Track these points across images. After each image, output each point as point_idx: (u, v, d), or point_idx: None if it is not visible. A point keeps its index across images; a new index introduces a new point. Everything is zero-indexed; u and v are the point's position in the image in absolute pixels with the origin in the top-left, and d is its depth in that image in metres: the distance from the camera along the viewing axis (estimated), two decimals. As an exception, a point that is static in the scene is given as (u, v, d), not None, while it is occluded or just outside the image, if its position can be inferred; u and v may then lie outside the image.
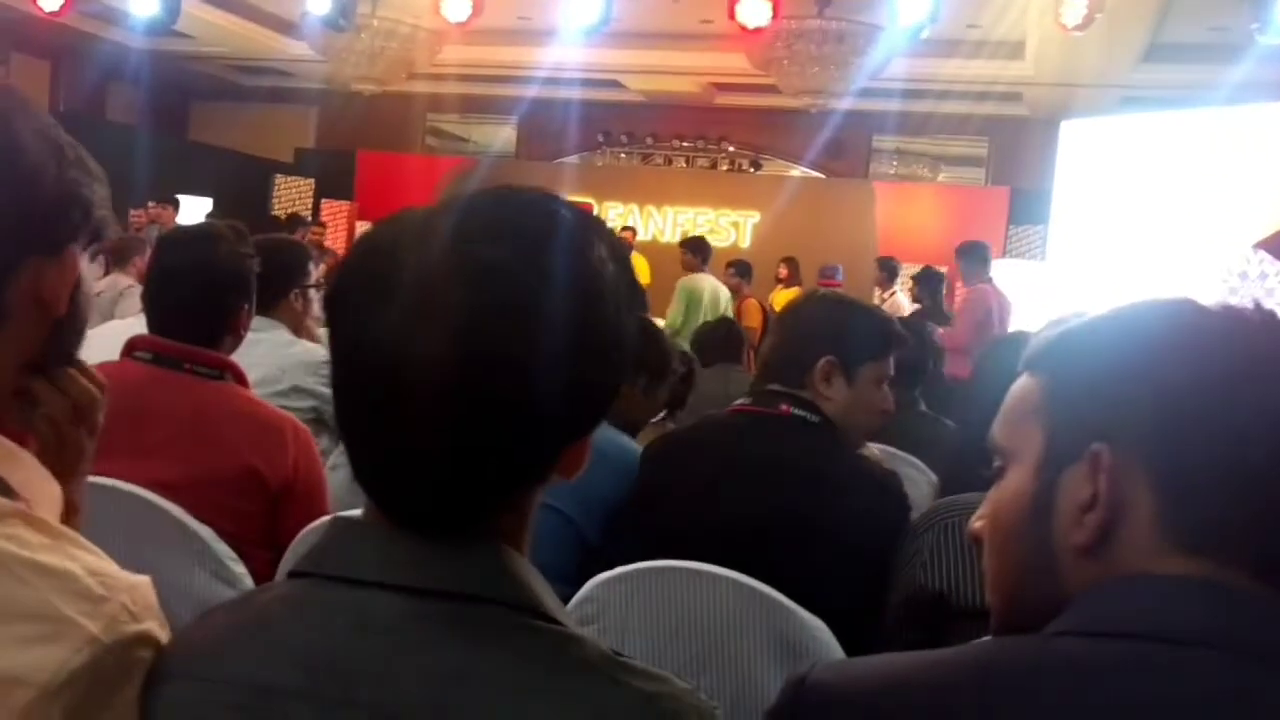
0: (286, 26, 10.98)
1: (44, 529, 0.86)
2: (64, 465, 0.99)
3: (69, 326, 0.96)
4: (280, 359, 2.81)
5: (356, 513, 0.91)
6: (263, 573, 2.02)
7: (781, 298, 9.28)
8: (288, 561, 2.00)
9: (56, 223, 0.91)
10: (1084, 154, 9.86)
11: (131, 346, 2.17)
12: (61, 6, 8.63)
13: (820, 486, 2.01)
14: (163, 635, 0.89)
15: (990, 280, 7.48)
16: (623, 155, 14.62)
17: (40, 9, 8.64)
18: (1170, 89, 9.79)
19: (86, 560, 0.86)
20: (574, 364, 0.84)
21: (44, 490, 0.93)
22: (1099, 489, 0.85)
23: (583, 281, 0.85)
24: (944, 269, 8.82)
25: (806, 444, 2.06)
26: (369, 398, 0.85)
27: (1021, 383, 0.94)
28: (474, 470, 0.84)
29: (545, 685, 0.81)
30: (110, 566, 0.87)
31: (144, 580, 0.89)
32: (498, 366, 0.81)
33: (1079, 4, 6.88)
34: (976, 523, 0.96)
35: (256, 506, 2.08)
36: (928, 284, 8.11)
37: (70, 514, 0.98)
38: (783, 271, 9.73)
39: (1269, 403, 0.82)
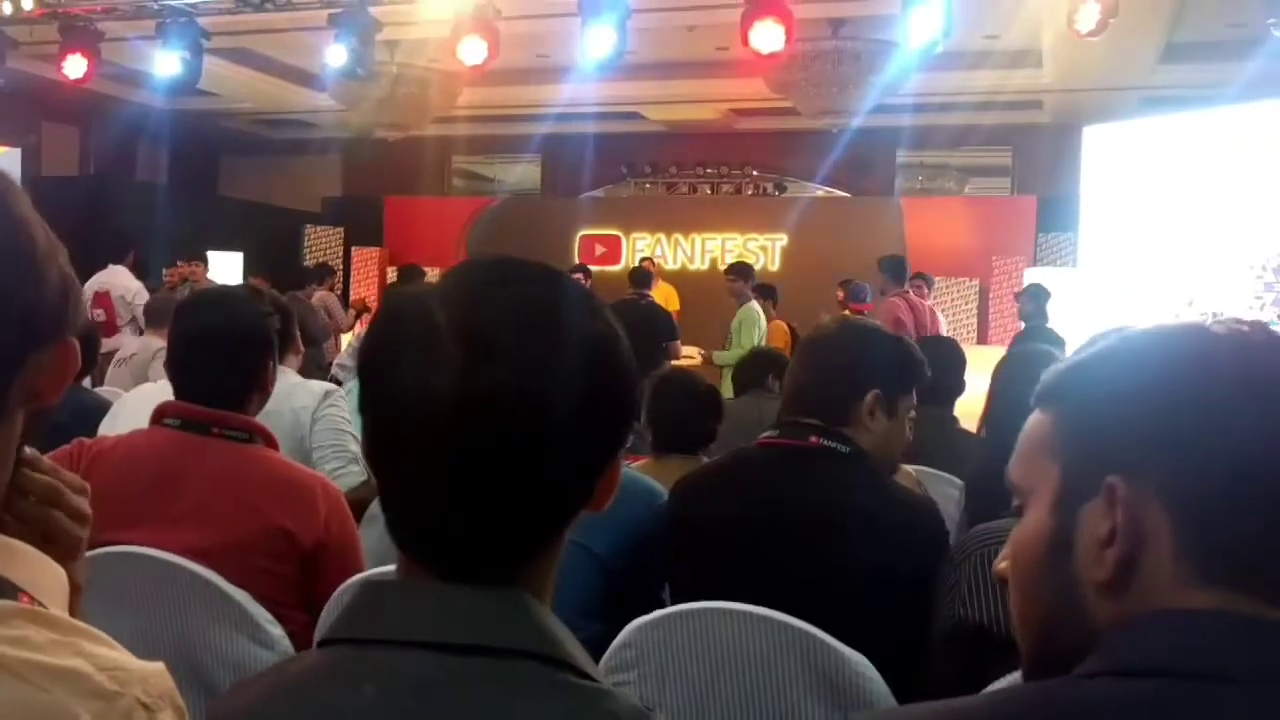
0: (307, 78, 11.10)
1: (50, 624, 0.83)
2: (58, 554, 0.95)
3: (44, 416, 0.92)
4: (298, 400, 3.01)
5: (387, 569, 0.91)
6: (300, 634, 2.03)
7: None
8: (323, 622, 2.00)
9: (61, 312, 0.88)
10: (1108, 158, 9.79)
11: (161, 414, 2.19)
12: (85, 74, 8.77)
13: (854, 518, 1.99)
14: None
15: (905, 292, 7.95)
16: (647, 185, 14.65)
17: (66, 77, 8.78)
18: (1191, 88, 9.71)
19: (97, 654, 0.83)
20: (606, 399, 0.91)
21: (49, 580, 0.91)
22: (1117, 523, 0.84)
23: (601, 327, 0.92)
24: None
25: (839, 476, 2.04)
26: (413, 447, 0.87)
27: (1034, 420, 0.94)
28: (523, 508, 0.88)
29: None
30: (123, 657, 0.85)
31: (157, 668, 0.86)
32: (544, 407, 0.86)
33: (1091, 9, 6.83)
34: (1001, 563, 0.95)
35: (290, 568, 2.08)
36: (1035, 299, 7.93)
37: (73, 594, 0.95)
38: (840, 294, 9.55)
39: (1276, 426, 0.81)
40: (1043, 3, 7.85)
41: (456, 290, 0.90)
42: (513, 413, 0.85)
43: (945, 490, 3.32)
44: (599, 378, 0.90)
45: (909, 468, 2.98)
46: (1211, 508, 0.82)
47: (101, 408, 3.65)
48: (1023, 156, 13.41)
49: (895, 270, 8.08)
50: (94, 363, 4.25)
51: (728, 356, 7.72)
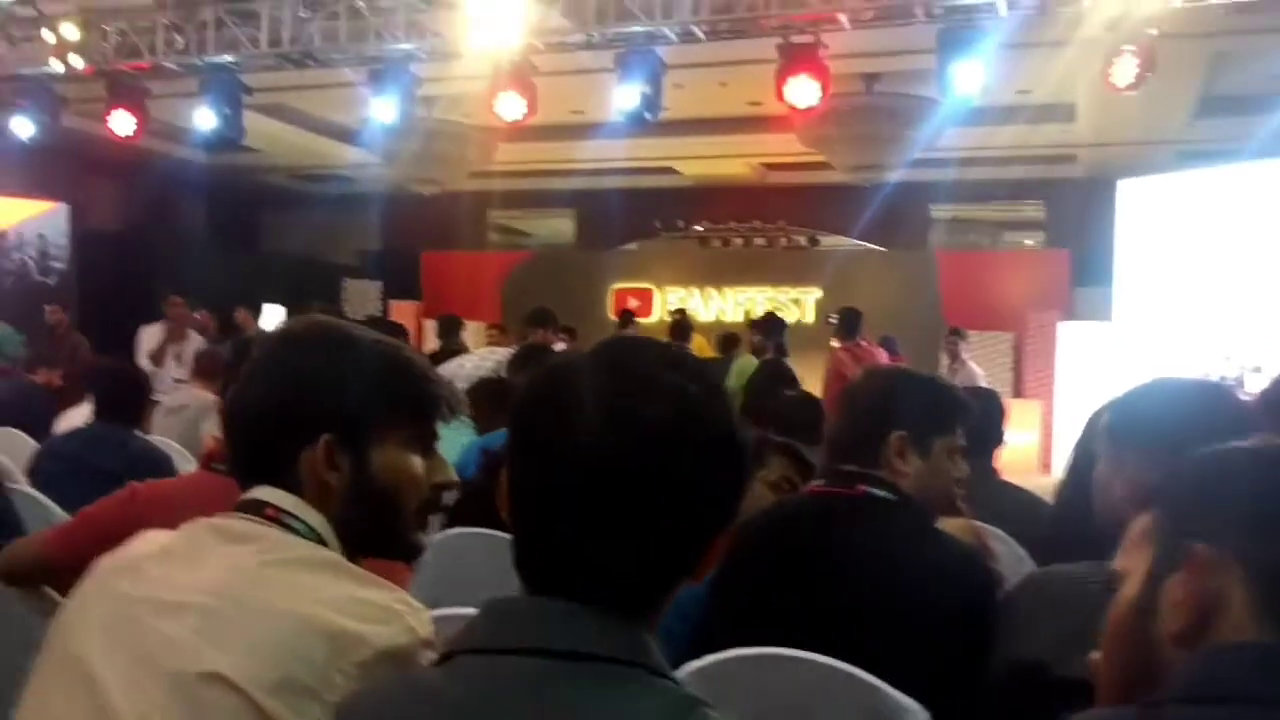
0: (347, 134, 11.27)
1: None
2: None
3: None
4: None
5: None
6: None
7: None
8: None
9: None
10: (1144, 212, 9.78)
11: (209, 458, 2.24)
12: (134, 130, 8.92)
13: (902, 566, 1.98)
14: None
15: (858, 344, 8.03)
16: (680, 240, 14.71)
17: (114, 133, 8.94)
18: (1227, 142, 9.69)
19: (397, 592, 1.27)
20: (725, 469, 0.99)
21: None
22: (1191, 585, 0.89)
23: (723, 406, 1.01)
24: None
25: (885, 523, 2.04)
26: (573, 495, 0.97)
27: (1142, 517, 1.00)
28: (658, 558, 0.98)
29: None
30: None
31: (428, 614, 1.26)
32: (684, 478, 0.96)
33: (1129, 64, 6.84)
34: (1094, 654, 1.00)
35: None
36: (770, 332, 7.89)
37: None
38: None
39: None
40: (1076, 57, 7.89)
41: (602, 361, 1.01)
42: (633, 476, 0.95)
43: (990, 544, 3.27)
44: (715, 456, 0.98)
45: (961, 521, 2.95)
46: None
47: (150, 454, 3.69)
48: (1056, 210, 13.41)
49: (847, 322, 8.17)
50: (144, 409, 4.26)
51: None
